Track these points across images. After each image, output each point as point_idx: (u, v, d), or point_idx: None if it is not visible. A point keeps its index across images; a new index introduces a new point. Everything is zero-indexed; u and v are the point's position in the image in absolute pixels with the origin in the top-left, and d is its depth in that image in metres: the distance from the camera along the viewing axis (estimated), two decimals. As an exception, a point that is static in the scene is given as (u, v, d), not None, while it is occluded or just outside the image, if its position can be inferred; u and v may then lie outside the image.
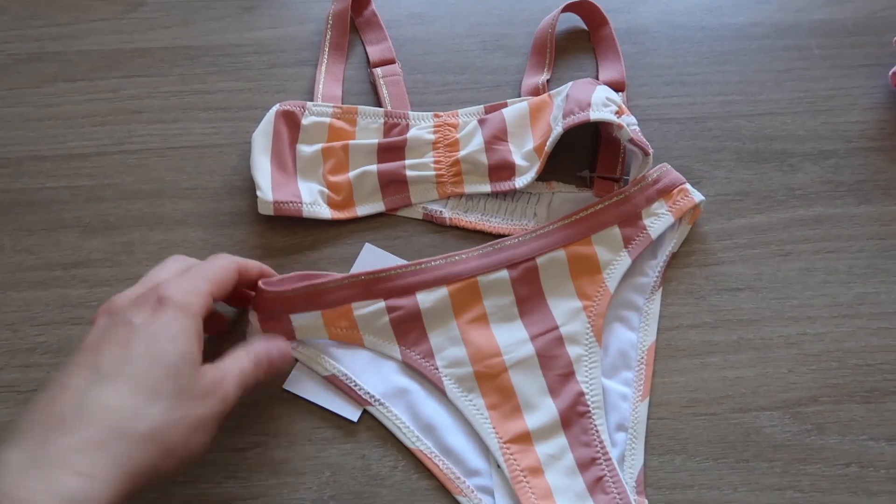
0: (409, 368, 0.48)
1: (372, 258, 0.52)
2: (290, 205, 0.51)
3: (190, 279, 0.42)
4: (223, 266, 0.44)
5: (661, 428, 0.47)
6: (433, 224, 0.54)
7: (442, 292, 0.49)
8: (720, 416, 0.48)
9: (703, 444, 0.47)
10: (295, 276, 0.49)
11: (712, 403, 0.48)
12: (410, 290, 0.49)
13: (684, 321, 0.51)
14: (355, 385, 0.48)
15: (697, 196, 0.52)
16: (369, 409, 0.47)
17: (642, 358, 0.49)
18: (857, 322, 0.50)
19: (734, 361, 0.49)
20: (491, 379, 0.48)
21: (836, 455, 0.47)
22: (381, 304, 0.49)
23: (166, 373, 0.38)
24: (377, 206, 0.53)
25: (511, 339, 0.49)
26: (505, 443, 0.46)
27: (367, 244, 0.52)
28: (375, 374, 0.48)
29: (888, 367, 0.49)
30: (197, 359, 0.40)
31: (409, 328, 0.49)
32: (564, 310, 0.49)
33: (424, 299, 0.49)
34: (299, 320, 0.48)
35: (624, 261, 0.50)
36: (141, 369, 0.38)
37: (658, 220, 0.51)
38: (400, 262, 0.52)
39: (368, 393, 0.47)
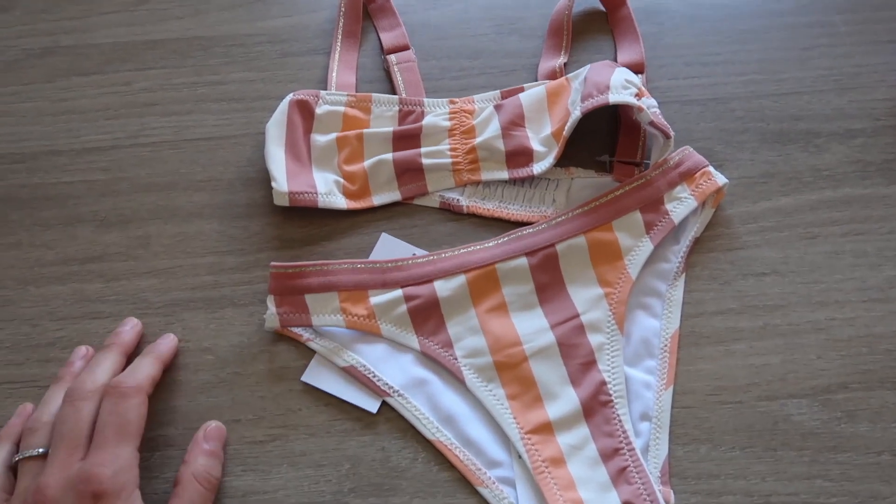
0: (428, 359, 0.48)
1: (389, 248, 0.51)
2: (306, 195, 0.51)
3: (119, 457, 0.41)
4: (141, 415, 0.43)
5: (686, 417, 0.47)
6: (450, 212, 0.53)
7: (460, 280, 0.48)
8: (746, 404, 0.47)
9: (728, 432, 0.46)
10: (310, 262, 0.49)
11: (738, 391, 0.47)
12: (428, 278, 0.49)
13: (709, 307, 0.49)
14: (374, 376, 0.47)
15: (721, 179, 0.51)
16: (388, 400, 0.47)
17: (665, 346, 0.48)
18: (888, 306, 0.49)
19: (760, 348, 0.48)
20: (511, 368, 0.47)
21: (867, 443, 0.45)
22: (398, 293, 0.48)
23: None
24: (393, 195, 0.53)
25: (531, 327, 0.48)
26: (526, 433, 0.45)
27: (383, 234, 0.52)
28: (394, 366, 0.48)
29: (920, 351, 0.48)
30: None
31: (427, 317, 0.48)
32: (585, 297, 0.48)
33: (442, 287, 0.48)
34: (315, 302, 0.48)
35: (646, 247, 0.49)
36: None
37: (681, 204, 0.50)
38: (417, 251, 0.51)
39: (387, 384, 0.47)
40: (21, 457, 0.42)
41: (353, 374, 0.47)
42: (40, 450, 0.42)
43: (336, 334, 0.49)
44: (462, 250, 0.49)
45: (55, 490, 0.40)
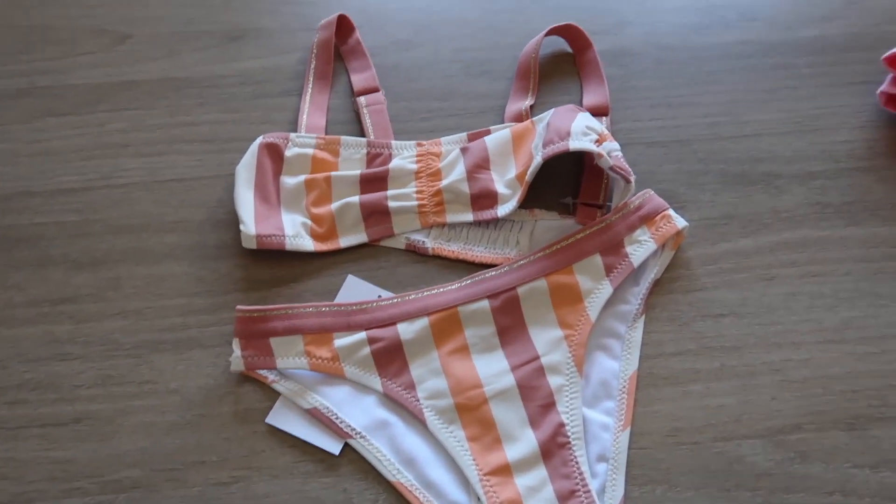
0: (390, 400, 0.49)
1: (354, 290, 0.52)
2: (273, 238, 0.52)
3: None
4: None
5: (643, 458, 0.47)
6: (416, 254, 0.54)
7: (423, 323, 0.49)
8: (702, 445, 0.47)
9: (684, 473, 0.47)
10: (275, 307, 0.50)
11: (694, 432, 0.48)
12: (392, 321, 0.49)
13: (667, 349, 0.50)
14: (336, 418, 0.48)
15: (681, 222, 0.52)
16: (351, 442, 0.48)
17: (624, 387, 0.49)
18: (843, 347, 0.50)
19: (717, 389, 0.49)
20: (472, 410, 0.48)
21: (819, 483, 0.46)
22: (362, 336, 0.49)
23: None
24: (360, 238, 0.54)
25: (492, 369, 0.49)
26: (485, 475, 0.46)
27: (349, 276, 0.53)
28: (357, 407, 0.49)
29: (873, 392, 0.49)
30: None
31: (391, 359, 0.49)
32: (546, 339, 0.49)
33: (406, 330, 0.49)
34: (280, 345, 0.49)
35: (606, 289, 0.50)
36: None
37: (640, 247, 0.51)
38: (382, 293, 0.52)
39: (350, 426, 0.48)
40: None
41: (317, 416, 0.48)
42: None
43: (301, 376, 0.49)
44: (426, 293, 0.50)
45: None
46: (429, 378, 0.49)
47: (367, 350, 0.49)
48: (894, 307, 0.51)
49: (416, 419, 0.48)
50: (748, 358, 0.50)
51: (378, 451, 0.47)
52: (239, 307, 0.49)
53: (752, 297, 0.52)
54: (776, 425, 0.48)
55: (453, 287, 0.50)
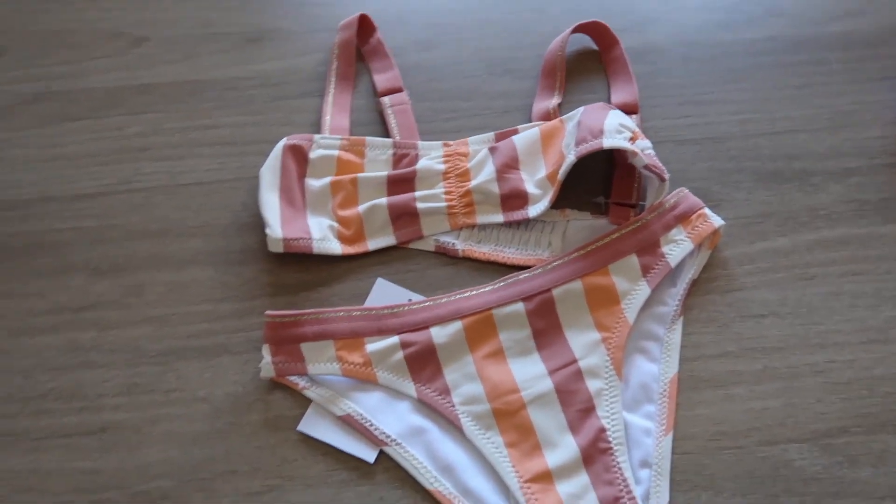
0: (425, 406, 0.47)
1: (384, 293, 0.51)
2: (300, 241, 0.50)
3: None
4: None
5: (686, 463, 0.46)
6: (446, 256, 0.52)
7: (456, 326, 0.48)
8: (747, 449, 0.46)
9: (729, 479, 0.45)
10: (305, 311, 0.49)
11: (738, 436, 0.47)
12: (424, 324, 0.48)
13: (707, 350, 0.49)
14: (371, 425, 0.46)
15: (717, 220, 0.51)
16: (386, 449, 0.46)
17: (665, 390, 0.47)
18: (888, 347, 0.49)
19: (760, 392, 0.48)
20: (509, 416, 0.46)
21: (869, 488, 0.45)
22: (394, 340, 0.48)
23: None
24: (388, 240, 0.52)
25: (528, 373, 0.47)
26: (525, 482, 0.45)
27: (378, 279, 0.51)
28: (391, 414, 0.47)
29: (921, 394, 0.47)
30: None
31: (424, 364, 0.48)
32: (582, 342, 0.48)
33: (439, 334, 0.48)
34: (311, 350, 0.48)
35: (643, 290, 0.49)
36: None
37: (677, 246, 0.50)
38: (413, 296, 0.51)
39: (384, 433, 0.46)
40: None
41: (350, 423, 0.47)
42: None
43: (332, 382, 0.48)
44: (458, 296, 0.49)
45: None
46: (464, 383, 0.47)
47: (399, 355, 0.48)
48: (937, 305, 0.50)
49: (452, 425, 0.47)
50: (791, 359, 0.49)
51: (414, 459, 0.46)
52: (268, 312, 0.48)
53: (791, 296, 0.51)
54: (822, 428, 0.47)
55: (486, 289, 0.49)
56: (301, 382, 0.48)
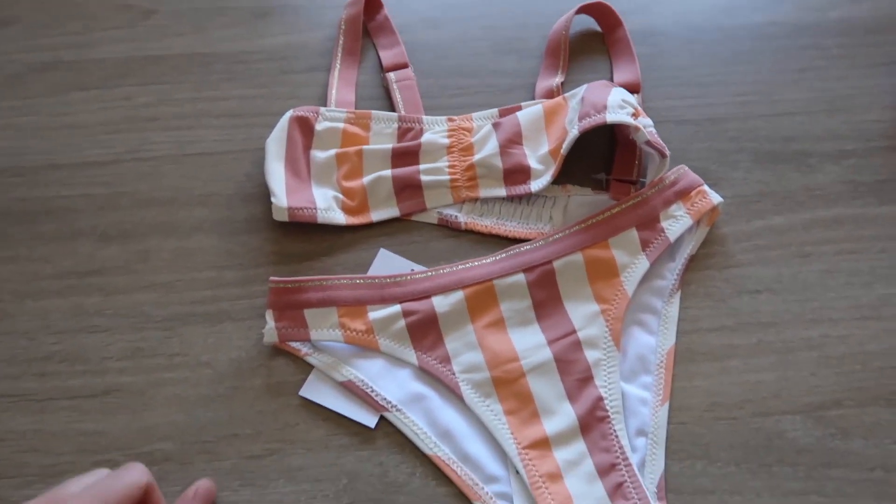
0: (426, 374, 0.48)
1: (387, 263, 0.52)
2: (305, 210, 0.51)
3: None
4: (126, 484, 0.39)
5: (682, 433, 0.47)
6: (448, 229, 0.53)
7: (458, 296, 0.49)
8: (741, 420, 0.47)
9: (724, 448, 0.46)
10: (309, 278, 0.49)
11: (733, 408, 0.47)
12: (426, 294, 0.49)
13: (703, 324, 0.50)
14: (372, 391, 0.47)
15: (716, 197, 0.51)
16: (386, 415, 0.47)
17: (662, 362, 0.48)
18: (881, 324, 0.50)
19: (755, 365, 0.49)
20: (508, 384, 0.47)
21: (860, 459, 0.46)
22: (396, 308, 0.49)
23: None
24: (392, 212, 0.53)
25: (528, 343, 0.48)
26: (523, 448, 0.46)
27: (381, 250, 0.52)
28: (392, 381, 0.48)
29: (913, 369, 0.48)
30: None
31: (425, 332, 0.48)
32: (582, 314, 0.49)
33: (440, 303, 0.49)
34: (314, 316, 0.48)
35: (642, 264, 0.50)
36: None
37: (676, 222, 0.51)
38: (415, 266, 0.51)
39: (385, 399, 0.47)
40: None
41: (352, 389, 0.47)
42: None
43: (334, 349, 0.49)
44: (460, 266, 0.50)
45: None
46: (464, 351, 0.48)
47: (401, 323, 0.48)
48: (931, 284, 0.51)
49: (452, 393, 0.47)
50: (786, 334, 0.49)
51: (414, 425, 0.47)
52: (272, 278, 0.49)
53: (787, 273, 0.51)
54: (815, 401, 0.47)
55: (488, 260, 0.50)
56: (303, 349, 0.49)
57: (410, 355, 0.48)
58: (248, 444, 0.47)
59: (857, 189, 0.54)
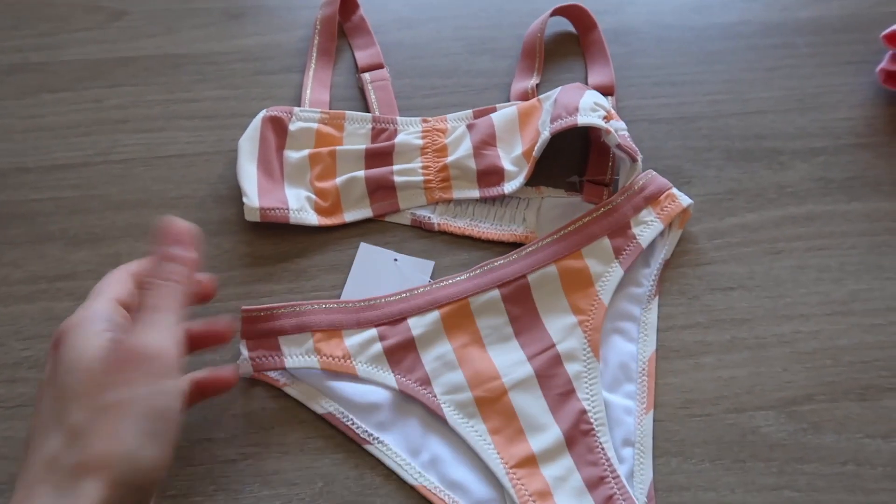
0: (406, 398, 0.47)
1: (370, 257, 0.51)
2: (277, 211, 0.51)
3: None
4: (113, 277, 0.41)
5: (657, 430, 0.47)
6: (422, 230, 0.53)
7: (434, 316, 0.48)
8: (715, 416, 0.47)
9: (698, 445, 0.47)
10: (281, 305, 0.48)
11: (707, 404, 0.48)
12: (401, 316, 0.48)
13: (677, 322, 0.50)
14: (353, 423, 0.46)
15: (685, 200, 0.51)
16: (368, 448, 0.46)
17: (644, 369, 0.48)
18: (851, 319, 0.50)
19: (728, 361, 0.49)
20: (491, 403, 0.47)
21: (832, 453, 0.46)
22: (372, 332, 0.48)
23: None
24: (365, 212, 0.53)
25: (508, 360, 0.48)
26: (511, 468, 0.45)
27: (362, 243, 0.52)
28: (371, 408, 0.47)
29: (883, 363, 0.49)
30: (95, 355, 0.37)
31: (403, 355, 0.48)
32: (560, 326, 0.48)
33: (416, 324, 0.48)
34: (289, 343, 0.47)
35: (616, 272, 0.50)
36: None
37: (647, 227, 0.51)
38: (399, 256, 0.51)
39: (366, 431, 0.46)
40: None
41: (332, 422, 0.47)
42: None
43: (312, 377, 0.48)
44: (434, 286, 0.49)
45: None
46: (444, 372, 0.47)
47: (378, 346, 0.48)
48: (899, 280, 0.52)
49: (433, 416, 0.47)
50: (758, 330, 0.50)
51: (397, 456, 0.46)
52: (244, 307, 0.48)
53: (759, 270, 0.52)
54: (788, 396, 0.48)
55: (462, 278, 0.49)
56: (281, 379, 0.48)
57: (389, 379, 0.47)
58: (222, 448, 0.46)
59: (827, 186, 0.55)
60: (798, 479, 0.46)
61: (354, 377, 0.47)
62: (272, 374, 0.48)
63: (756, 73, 0.60)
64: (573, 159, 0.55)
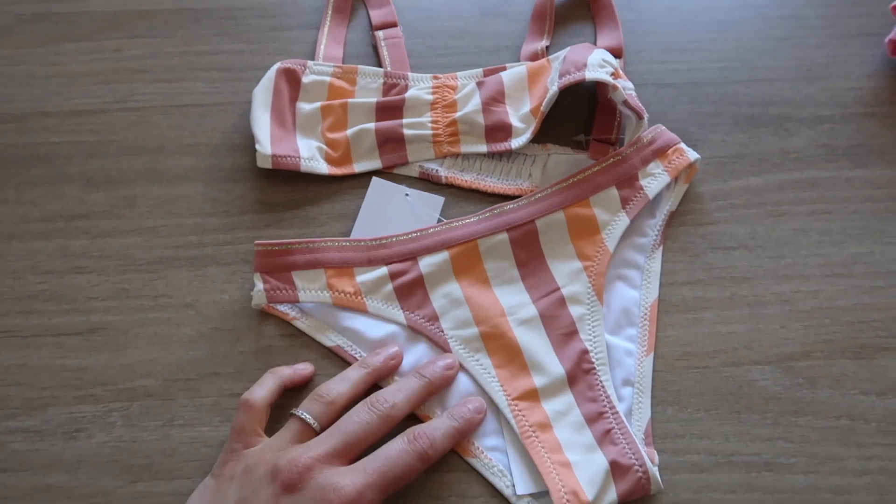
0: (414, 333, 0.48)
1: (381, 191, 0.52)
2: (288, 159, 0.52)
3: (365, 497, 0.40)
4: (411, 479, 0.42)
5: (655, 380, 0.48)
6: (429, 182, 0.54)
7: (443, 256, 0.49)
8: (712, 369, 0.48)
9: (694, 395, 0.47)
10: (296, 241, 0.50)
11: (704, 357, 0.48)
12: (412, 255, 0.50)
13: (679, 278, 0.51)
14: (360, 356, 0.48)
15: (692, 154, 0.52)
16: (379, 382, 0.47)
17: (645, 314, 0.49)
18: (850, 281, 0.51)
19: (727, 317, 0.50)
20: (496, 339, 0.48)
21: (827, 408, 0.47)
22: (383, 271, 0.49)
23: None
24: (374, 164, 0.54)
25: (514, 301, 0.49)
26: (513, 400, 0.46)
27: (374, 178, 0.53)
28: (379, 336, 0.48)
29: (880, 324, 0.49)
30: None
31: (412, 293, 0.49)
32: (565, 271, 0.49)
33: (426, 263, 0.49)
34: (302, 279, 0.49)
35: (622, 221, 0.51)
36: None
37: (655, 179, 0.52)
38: (410, 191, 0.52)
39: None
40: (297, 413, 0.43)
41: (339, 354, 0.48)
42: (315, 424, 0.43)
43: (322, 312, 0.49)
44: (445, 226, 0.50)
45: (306, 471, 0.40)
46: (451, 309, 0.48)
47: (388, 284, 0.49)
48: (900, 244, 0.52)
49: (441, 350, 0.48)
50: (758, 288, 0.51)
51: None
52: (258, 241, 0.49)
53: (761, 231, 0.52)
54: (785, 352, 0.49)
55: (472, 220, 0.51)
56: (291, 312, 0.49)
57: (398, 315, 0.49)
58: (230, 382, 0.48)
59: (832, 153, 0.55)
60: (792, 431, 0.46)
61: (364, 312, 0.49)
62: (282, 308, 0.49)
63: (766, 43, 0.60)
64: (580, 118, 0.56)
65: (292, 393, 0.47)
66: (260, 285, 0.49)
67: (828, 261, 0.52)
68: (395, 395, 0.44)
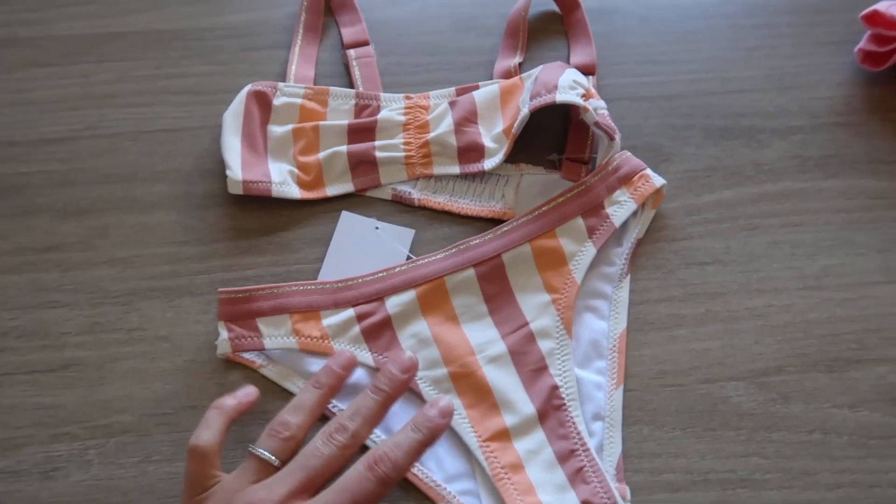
0: None
1: (351, 225, 0.52)
2: (259, 184, 0.52)
3: None
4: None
5: (630, 399, 0.48)
6: (402, 205, 0.54)
7: (410, 295, 0.49)
8: (687, 386, 0.49)
9: (670, 413, 0.48)
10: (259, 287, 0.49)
11: (680, 375, 0.49)
12: (378, 295, 0.49)
13: (653, 295, 0.51)
14: (331, 404, 0.47)
15: (658, 181, 0.52)
16: None
17: (614, 346, 0.49)
18: (822, 293, 0.51)
19: (702, 334, 0.50)
20: (466, 378, 0.48)
21: (800, 423, 0.47)
22: (350, 313, 0.49)
23: None
24: (347, 187, 0.54)
25: (483, 337, 0.49)
26: (484, 441, 0.46)
27: (344, 212, 0.53)
28: (348, 387, 0.48)
29: (852, 336, 0.50)
30: None
31: (380, 334, 0.49)
32: (533, 305, 0.49)
33: (393, 304, 0.49)
34: (268, 324, 0.48)
35: (589, 251, 0.50)
36: None
37: (621, 207, 0.51)
38: (380, 224, 0.52)
39: (342, 409, 0.47)
40: (255, 452, 0.42)
41: None
42: (275, 461, 0.42)
43: (288, 359, 0.49)
44: (411, 265, 0.50)
45: None
46: (420, 349, 0.48)
47: (355, 326, 0.49)
48: (871, 255, 0.53)
49: (409, 392, 0.47)
50: (732, 304, 0.51)
51: (372, 434, 0.46)
52: (221, 290, 0.48)
53: (735, 245, 0.53)
54: (759, 368, 0.49)
55: (438, 257, 0.50)
56: (257, 360, 0.49)
57: (367, 357, 0.48)
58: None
59: (804, 164, 0.56)
60: (766, 447, 0.47)
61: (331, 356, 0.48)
62: (247, 356, 0.49)
63: (737, 53, 0.60)
64: (553, 137, 0.56)
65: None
66: (224, 334, 0.48)
67: (800, 273, 0.52)
68: (353, 421, 0.42)
